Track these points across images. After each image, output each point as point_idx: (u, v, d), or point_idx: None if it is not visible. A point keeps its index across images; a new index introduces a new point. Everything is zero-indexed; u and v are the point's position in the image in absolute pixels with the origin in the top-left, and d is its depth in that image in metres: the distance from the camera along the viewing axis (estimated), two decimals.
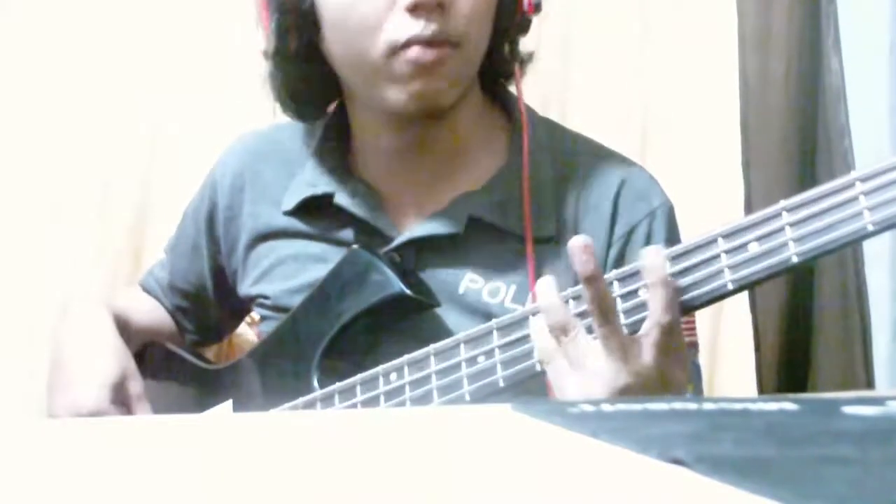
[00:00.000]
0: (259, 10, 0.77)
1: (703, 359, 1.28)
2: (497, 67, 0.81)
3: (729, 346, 1.34)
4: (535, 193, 0.79)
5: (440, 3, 0.70)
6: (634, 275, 0.64)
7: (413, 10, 0.70)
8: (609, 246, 0.80)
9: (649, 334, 0.62)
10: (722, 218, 1.33)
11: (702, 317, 1.26)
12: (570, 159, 0.83)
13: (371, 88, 0.76)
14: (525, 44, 0.83)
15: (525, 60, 0.83)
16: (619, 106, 1.35)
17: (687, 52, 1.36)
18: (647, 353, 0.62)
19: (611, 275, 0.65)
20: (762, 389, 1.34)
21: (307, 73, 0.79)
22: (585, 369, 0.62)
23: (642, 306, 0.63)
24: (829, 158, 1.35)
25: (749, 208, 1.33)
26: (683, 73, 1.36)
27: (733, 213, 1.33)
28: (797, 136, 1.36)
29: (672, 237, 0.82)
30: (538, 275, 0.78)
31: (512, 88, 0.85)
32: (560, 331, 0.64)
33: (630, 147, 1.29)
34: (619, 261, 0.79)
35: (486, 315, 0.77)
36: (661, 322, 0.61)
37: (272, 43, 0.76)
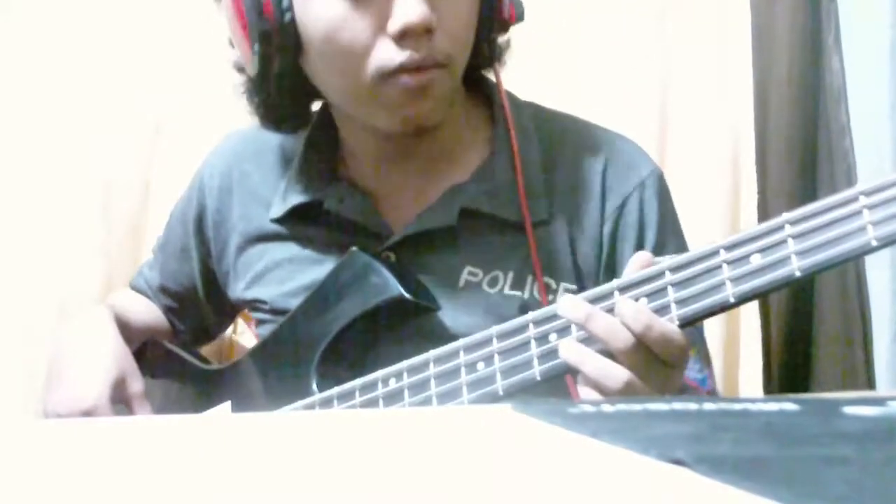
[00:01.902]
0: (236, 34, 0.74)
1: (715, 361, 1.28)
2: (477, 63, 0.80)
3: (742, 348, 1.34)
4: (524, 178, 0.78)
5: (428, 28, 0.69)
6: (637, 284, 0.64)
7: (401, 37, 0.69)
8: (602, 222, 0.80)
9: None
10: (738, 217, 1.34)
11: (714, 322, 1.26)
12: (557, 140, 0.83)
13: (358, 110, 0.76)
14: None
15: (503, 50, 0.82)
16: (635, 104, 1.35)
17: (702, 49, 1.35)
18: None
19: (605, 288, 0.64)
20: (769, 391, 1.34)
21: (289, 91, 0.78)
22: (658, 375, 0.62)
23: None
24: (829, 158, 1.35)
25: (764, 208, 1.33)
26: (698, 71, 1.35)
27: (748, 213, 1.33)
28: (800, 135, 1.36)
29: (664, 205, 0.81)
30: (537, 258, 0.78)
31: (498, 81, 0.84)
32: (632, 350, 0.61)
33: (646, 144, 1.29)
34: (614, 235, 0.79)
35: (487, 306, 0.77)
36: (616, 349, 0.62)
37: (255, 67, 0.74)
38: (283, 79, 0.75)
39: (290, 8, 0.71)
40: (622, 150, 0.83)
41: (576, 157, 0.82)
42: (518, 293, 0.78)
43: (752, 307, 1.33)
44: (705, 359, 0.82)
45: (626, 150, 0.83)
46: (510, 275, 0.78)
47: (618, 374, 0.62)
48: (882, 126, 1.35)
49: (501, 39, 0.82)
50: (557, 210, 0.80)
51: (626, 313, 0.61)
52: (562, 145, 0.82)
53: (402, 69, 0.70)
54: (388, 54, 0.70)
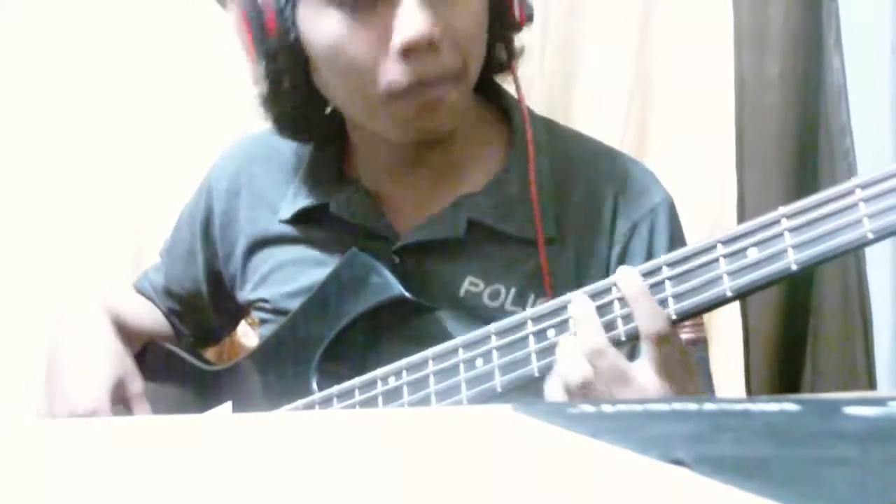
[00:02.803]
0: (245, 52, 0.74)
1: None
2: (490, 69, 0.80)
3: (719, 347, 1.34)
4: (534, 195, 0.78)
5: (432, 43, 0.67)
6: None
7: (406, 54, 0.67)
8: (611, 245, 0.79)
9: (645, 350, 0.62)
10: (717, 216, 1.35)
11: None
12: (569, 158, 0.82)
13: (370, 124, 0.75)
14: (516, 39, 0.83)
15: (518, 55, 0.82)
16: (617, 104, 1.35)
17: (685, 50, 1.36)
18: (648, 369, 0.62)
19: (588, 289, 0.65)
20: (750, 391, 1.34)
21: (302, 104, 0.77)
22: (630, 386, 0.62)
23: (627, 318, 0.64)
24: (830, 158, 1.35)
25: (742, 207, 1.34)
26: (681, 72, 1.36)
27: (727, 211, 1.34)
28: (795, 135, 1.36)
29: (674, 232, 0.81)
30: (541, 276, 0.78)
31: (511, 88, 0.84)
32: (596, 354, 0.62)
33: (628, 145, 1.29)
34: (622, 258, 0.79)
35: (486, 318, 0.76)
36: (650, 334, 0.62)
37: (264, 85, 0.73)
38: (294, 93, 0.74)
39: (295, 26, 0.70)
40: (635, 175, 0.82)
41: (587, 178, 0.81)
42: (519, 310, 0.77)
43: (734, 310, 1.33)
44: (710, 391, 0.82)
45: (639, 175, 0.83)
46: (512, 290, 0.78)
47: (579, 371, 0.62)
48: (883, 126, 1.35)
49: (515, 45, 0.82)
50: (566, 229, 0.79)
51: (624, 277, 0.63)
52: (574, 164, 0.82)
53: (413, 88, 0.68)
54: (395, 74, 0.68)
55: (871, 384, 1.33)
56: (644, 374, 0.62)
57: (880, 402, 0.42)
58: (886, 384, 1.35)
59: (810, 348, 1.38)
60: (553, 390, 0.64)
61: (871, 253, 1.33)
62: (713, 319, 1.33)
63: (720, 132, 1.35)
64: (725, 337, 1.33)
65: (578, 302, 0.64)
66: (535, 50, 1.31)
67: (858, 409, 0.40)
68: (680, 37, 1.36)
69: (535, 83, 1.31)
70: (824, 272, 1.36)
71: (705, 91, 1.36)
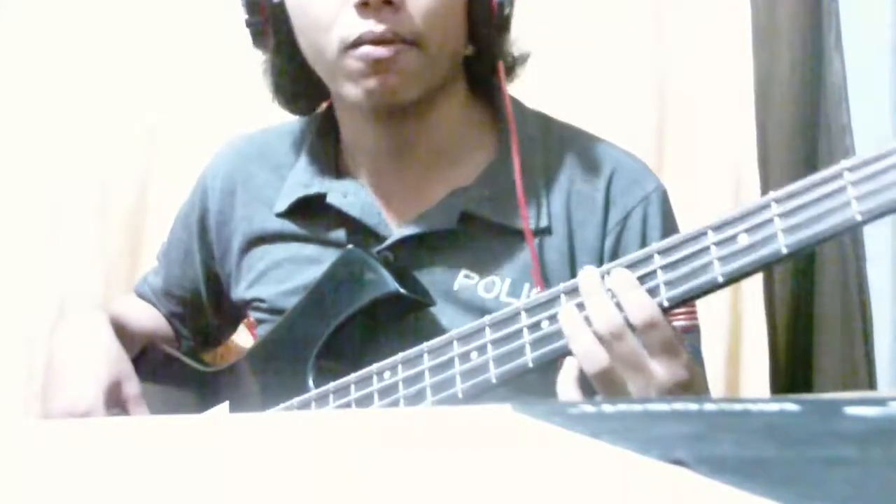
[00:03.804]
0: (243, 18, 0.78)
1: (718, 364, 1.28)
2: (481, 65, 0.80)
3: (746, 352, 1.34)
4: (526, 186, 0.78)
5: (387, 0, 0.70)
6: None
7: (361, 7, 0.70)
8: (604, 235, 0.80)
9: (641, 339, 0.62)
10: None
11: (718, 322, 1.26)
12: (561, 150, 0.83)
13: (331, 84, 0.78)
14: (521, 45, 0.83)
15: (516, 61, 0.82)
16: (634, 104, 1.34)
17: (701, 48, 1.35)
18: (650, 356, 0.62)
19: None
20: (776, 393, 1.34)
21: (291, 67, 0.80)
22: (643, 371, 0.62)
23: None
24: (830, 158, 1.35)
25: None
26: (698, 70, 1.35)
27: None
28: (801, 135, 1.36)
29: (667, 221, 0.82)
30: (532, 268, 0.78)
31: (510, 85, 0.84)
32: (613, 336, 0.62)
33: (645, 144, 1.28)
34: (615, 249, 0.80)
35: (482, 311, 0.77)
36: (639, 324, 0.62)
37: (252, 39, 0.78)
38: (282, 53, 0.79)
39: None
40: (627, 165, 0.83)
41: (580, 169, 0.81)
42: (514, 301, 0.78)
43: (758, 312, 1.33)
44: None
45: (632, 165, 0.83)
46: (507, 282, 0.79)
47: (600, 358, 0.62)
48: (883, 126, 1.35)
49: (518, 52, 0.82)
50: (558, 220, 0.80)
51: (618, 279, 0.63)
52: (566, 156, 0.82)
53: (363, 40, 0.71)
54: (349, 25, 0.71)
55: (871, 384, 1.33)
56: (650, 361, 0.62)
57: (880, 402, 0.42)
58: (886, 384, 1.35)
59: (811, 348, 1.38)
60: (567, 384, 0.64)
61: (870, 252, 1.32)
62: (741, 315, 1.33)
63: (738, 130, 1.35)
64: (752, 344, 1.33)
65: (587, 276, 0.64)
66: (541, 50, 1.31)
67: (858, 409, 0.40)
68: (696, 33, 1.35)
69: (541, 85, 1.30)
70: (824, 271, 1.35)
71: (723, 88, 1.35)
